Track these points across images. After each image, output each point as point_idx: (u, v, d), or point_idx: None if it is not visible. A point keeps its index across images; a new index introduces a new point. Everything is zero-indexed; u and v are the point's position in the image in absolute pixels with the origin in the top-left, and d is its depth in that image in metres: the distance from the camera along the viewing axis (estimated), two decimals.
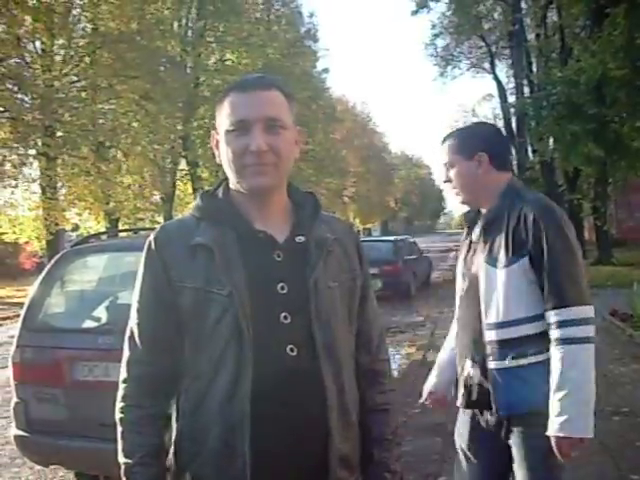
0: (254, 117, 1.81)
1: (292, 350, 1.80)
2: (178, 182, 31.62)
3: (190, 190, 32.24)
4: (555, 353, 2.56)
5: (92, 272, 5.67)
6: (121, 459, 1.88)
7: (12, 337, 13.28)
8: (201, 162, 31.24)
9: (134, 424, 1.89)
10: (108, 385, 4.52)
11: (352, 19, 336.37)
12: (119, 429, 1.91)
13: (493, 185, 2.82)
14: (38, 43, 24.11)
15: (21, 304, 19.30)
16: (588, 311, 2.59)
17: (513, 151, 28.36)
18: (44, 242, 24.05)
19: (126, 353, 1.96)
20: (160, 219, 27.33)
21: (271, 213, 1.91)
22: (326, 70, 43.64)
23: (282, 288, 1.83)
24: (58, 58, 24.26)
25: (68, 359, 4.70)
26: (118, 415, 1.92)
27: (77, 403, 4.69)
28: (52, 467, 5.60)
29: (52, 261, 5.21)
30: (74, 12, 24.79)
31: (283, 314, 1.82)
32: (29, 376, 4.85)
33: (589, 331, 2.56)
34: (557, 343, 2.55)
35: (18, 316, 15.54)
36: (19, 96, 22.43)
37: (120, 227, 24.43)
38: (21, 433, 4.94)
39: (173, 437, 1.91)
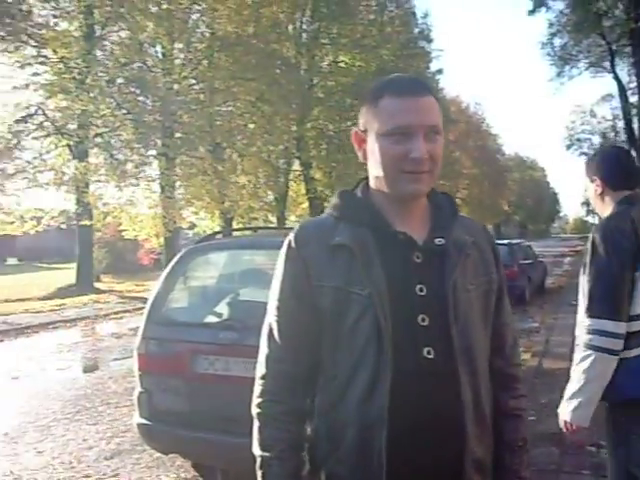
0: (417, 125, 1.80)
1: (429, 352, 1.79)
2: (291, 182, 31.99)
3: (303, 191, 32.58)
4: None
5: (213, 269, 5.82)
6: (257, 452, 1.91)
7: (132, 329, 13.98)
8: (314, 163, 31.53)
9: (273, 419, 1.91)
10: (228, 379, 4.68)
11: (466, 19, 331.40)
12: (256, 423, 1.94)
13: (610, 203, 3.26)
14: (159, 48, 24.96)
15: (140, 298, 20.27)
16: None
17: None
18: (162, 239, 24.89)
19: (264, 350, 1.98)
20: (273, 219, 27.78)
21: (411, 215, 1.90)
22: (440, 71, 43.26)
23: (421, 290, 1.81)
24: (177, 62, 25.04)
25: (190, 352, 4.85)
26: (256, 410, 1.94)
27: (198, 395, 4.83)
28: (171, 456, 5.80)
29: (175, 258, 5.39)
30: (193, 17, 25.58)
31: (421, 316, 1.80)
32: (153, 367, 5.02)
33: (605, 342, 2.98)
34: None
35: (137, 309, 16.29)
36: (141, 99, 23.29)
37: (234, 226, 24.92)
38: (144, 421, 5.12)
39: (309, 434, 1.92)
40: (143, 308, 16.38)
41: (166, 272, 5.27)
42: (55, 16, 23.35)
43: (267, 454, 1.89)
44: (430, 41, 40.17)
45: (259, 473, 1.92)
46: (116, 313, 17.76)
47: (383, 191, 1.88)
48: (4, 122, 21.99)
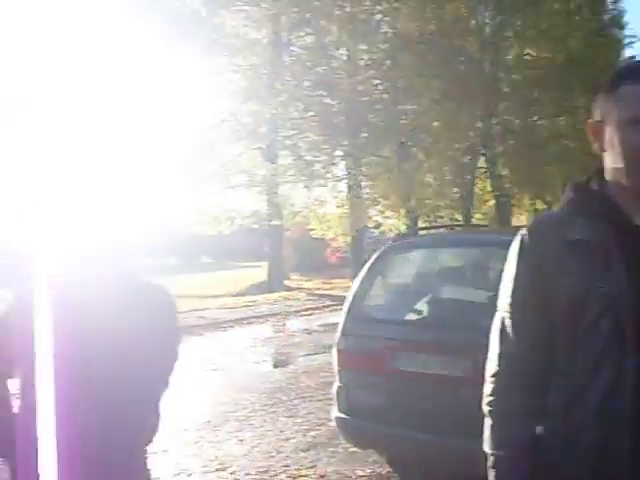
0: None
1: None
2: (477, 180, 31.40)
3: (489, 188, 31.88)
4: None
5: (412, 266, 5.83)
6: (489, 450, 1.89)
7: (322, 326, 14.26)
8: (500, 159, 30.75)
9: (506, 417, 1.87)
10: (428, 377, 4.69)
11: None
12: (488, 421, 1.91)
13: None
14: (343, 50, 25.33)
15: (328, 296, 20.63)
16: None
17: None
18: (349, 238, 25.26)
19: (496, 347, 1.93)
20: (459, 217, 27.39)
21: None
22: (633, 59, 40.88)
23: None
24: (361, 63, 25.28)
25: (389, 349, 4.89)
26: (487, 408, 1.91)
27: (396, 392, 4.87)
28: (366, 450, 5.87)
29: (374, 255, 5.46)
30: (376, 18, 25.73)
31: None
32: (352, 363, 5.12)
33: None
34: None
35: (326, 307, 16.58)
36: (327, 101, 23.76)
37: (420, 225, 24.84)
38: (342, 416, 5.23)
39: (542, 433, 1.87)
40: (332, 305, 16.76)
41: (365, 269, 5.35)
42: (245, 25, 24.33)
43: (500, 453, 1.86)
44: (622, 27, 37.94)
45: (491, 472, 1.89)
46: (306, 310, 18.19)
47: (622, 183, 1.79)
48: (200, 127, 23.19)
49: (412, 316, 5.24)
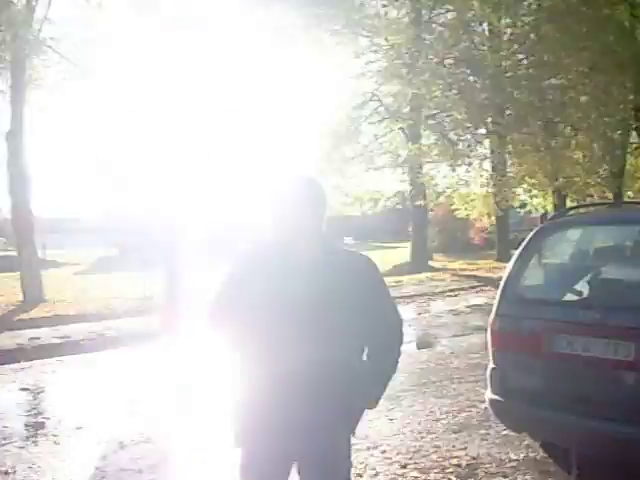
0: None
1: None
2: (628, 156, 29.97)
3: None
4: None
5: (570, 245, 5.65)
6: None
7: (469, 307, 14.13)
8: None
9: None
10: (588, 360, 4.54)
11: None
12: None
13: None
14: (485, 25, 24.76)
15: (474, 276, 20.38)
16: None
17: None
18: (493, 218, 24.80)
19: None
20: (609, 195, 26.26)
21: None
22: None
23: None
24: (505, 37, 24.64)
25: (547, 331, 4.77)
26: None
27: (554, 375, 4.75)
28: (520, 434, 5.77)
29: (530, 234, 5.32)
30: None
31: None
32: (507, 344, 5.03)
33: None
34: None
35: (472, 287, 16.41)
36: (471, 78, 23.34)
37: (568, 204, 24.05)
38: (496, 398, 5.15)
39: None
40: (477, 286, 16.56)
41: (520, 249, 5.23)
42: (385, 5, 24.25)
43: None
44: None
45: None
46: (451, 290, 18.04)
47: None
48: (342, 109, 23.38)
49: (572, 297, 5.06)
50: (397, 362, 3.16)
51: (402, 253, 27.08)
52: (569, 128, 24.87)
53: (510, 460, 5.59)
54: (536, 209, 27.76)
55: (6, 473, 5.79)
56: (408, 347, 11.01)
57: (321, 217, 2.94)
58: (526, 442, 5.86)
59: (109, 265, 28.62)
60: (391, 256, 28.00)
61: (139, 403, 7.96)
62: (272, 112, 22.60)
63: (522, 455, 5.68)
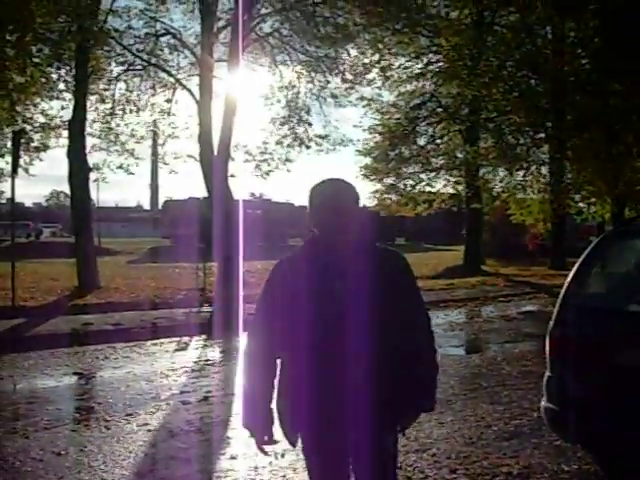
0: None
1: None
2: None
3: None
4: None
5: (634, 255, 5.49)
6: None
7: (521, 313, 13.97)
8: None
9: None
10: None
11: None
12: None
13: None
14: (549, 28, 24.40)
15: (527, 283, 20.16)
16: None
17: None
18: (549, 225, 24.44)
19: None
20: None
21: None
22: None
23: None
24: (568, 41, 24.24)
25: (610, 341, 4.65)
26: None
27: (615, 387, 4.61)
28: (573, 446, 5.64)
29: (594, 242, 5.21)
30: None
31: None
32: (566, 353, 4.91)
33: None
34: None
35: (525, 294, 16.26)
36: (531, 82, 23.03)
37: (627, 213, 23.56)
38: (551, 406, 5.04)
39: None
40: (530, 293, 16.36)
41: (584, 256, 5.11)
42: (446, 5, 24.08)
43: None
44: None
45: None
46: (505, 296, 17.84)
47: None
48: (401, 110, 23.29)
49: (636, 307, 4.93)
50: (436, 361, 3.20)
51: (455, 256, 26.86)
52: (631, 136, 24.34)
53: (563, 472, 5.48)
54: (593, 217, 27.24)
55: (59, 454, 5.88)
56: (459, 351, 10.92)
57: (359, 218, 3.04)
58: (579, 454, 5.73)
59: (162, 255, 29.01)
60: (444, 258, 27.82)
61: (189, 393, 8.03)
62: (331, 110, 22.65)
63: (575, 467, 5.56)
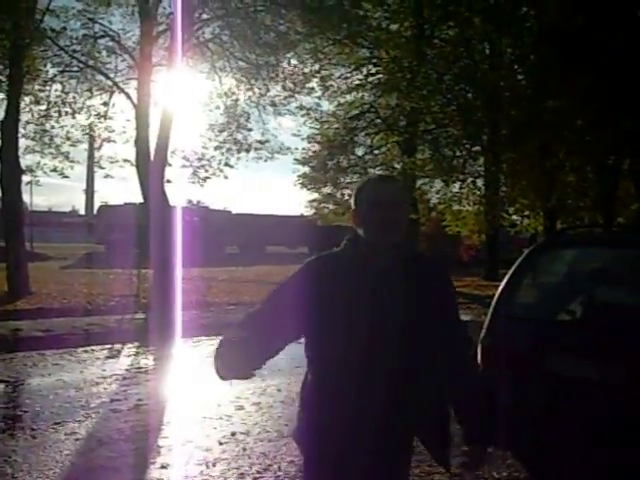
0: None
1: None
2: (621, 181, 30.13)
3: (633, 190, 30.51)
4: None
5: (564, 266, 5.62)
6: None
7: None
8: None
9: None
10: (579, 381, 4.50)
11: None
12: None
13: None
14: (486, 43, 24.90)
15: (462, 293, 20.33)
16: None
17: None
18: (483, 236, 24.85)
19: None
20: (600, 219, 26.38)
21: None
22: None
23: None
24: (505, 57, 24.78)
25: (539, 350, 4.74)
26: None
27: (544, 395, 4.70)
28: (503, 453, 5.72)
29: (524, 253, 5.30)
30: (521, 11, 25.09)
31: None
32: (497, 362, 4.97)
33: None
34: None
35: (459, 304, 16.42)
36: (469, 95, 23.45)
37: (558, 226, 24.14)
38: None
39: None
40: (464, 303, 16.50)
41: (514, 267, 5.21)
42: (387, 18, 24.35)
43: None
44: None
45: None
46: None
47: None
48: (340, 120, 23.45)
49: (565, 317, 5.04)
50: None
51: None
52: (564, 150, 24.97)
53: (493, 478, 5.54)
54: (526, 230, 27.83)
55: None
56: None
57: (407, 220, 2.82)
58: (509, 461, 5.80)
59: (97, 261, 28.55)
60: None
61: (119, 401, 7.89)
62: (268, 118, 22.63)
63: (504, 474, 5.62)
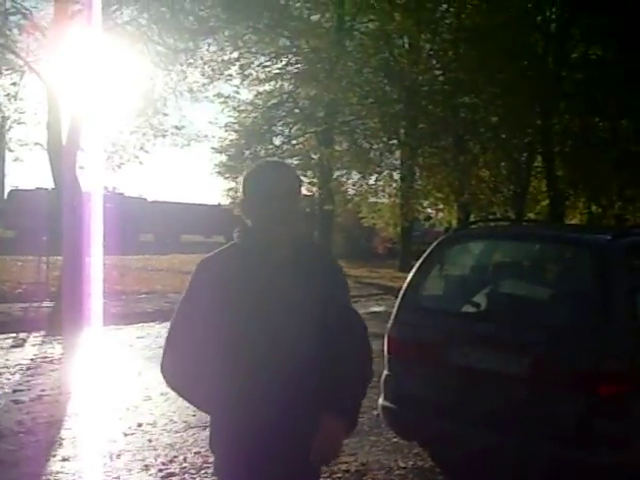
0: None
1: None
2: (532, 178, 30.98)
3: (544, 187, 31.42)
4: None
5: (470, 258, 5.72)
6: None
7: (368, 314, 14.23)
8: (558, 159, 30.27)
9: None
10: (481, 372, 4.58)
11: None
12: None
13: None
14: (406, 38, 25.15)
15: (375, 285, 20.54)
16: None
17: None
18: (399, 229, 25.15)
19: None
20: (512, 215, 27.07)
21: None
22: None
23: None
24: (423, 52, 25.09)
25: (443, 341, 4.81)
26: None
27: (447, 385, 4.78)
28: (410, 443, 5.80)
29: (432, 245, 5.36)
30: (441, 7, 25.47)
31: None
32: (403, 352, 5.04)
33: None
34: None
35: (372, 295, 16.57)
36: (387, 88, 23.64)
37: (472, 220, 24.63)
38: (388, 405, 5.16)
39: None
40: (378, 294, 16.69)
41: (422, 259, 5.27)
42: (309, 8, 24.30)
43: None
44: None
45: None
46: (353, 297, 17.99)
47: None
48: (258, 108, 23.30)
49: (469, 309, 5.13)
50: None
51: None
52: (478, 146, 25.48)
53: (399, 468, 5.61)
54: (440, 223, 28.32)
55: None
56: None
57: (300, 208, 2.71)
58: (415, 450, 5.88)
59: (5, 247, 27.63)
60: None
61: (22, 392, 7.65)
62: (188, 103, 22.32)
63: (411, 463, 5.70)
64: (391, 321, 5.16)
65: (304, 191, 24.59)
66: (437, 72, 24.75)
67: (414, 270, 5.24)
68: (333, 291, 2.68)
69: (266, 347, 2.48)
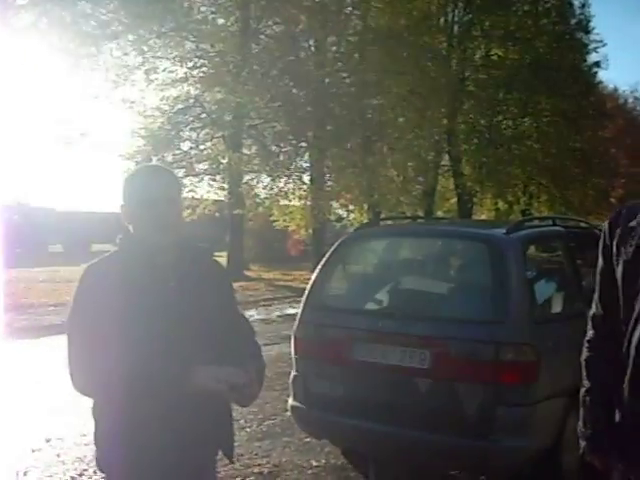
0: None
1: None
2: (440, 177, 31.63)
3: (451, 186, 32.14)
4: None
5: (373, 256, 5.80)
6: None
7: (281, 317, 14.22)
8: (464, 158, 31.04)
9: None
10: (386, 368, 4.65)
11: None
12: None
13: None
14: (312, 41, 25.29)
15: (288, 287, 20.57)
16: None
17: None
18: (310, 231, 25.26)
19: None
20: (421, 214, 27.55)
21: None
22: (597, 64, 41.31)
23: None
24: (330, 55, 25.28)
25: (348, 339, 4.85)
26: None
27: (354, 382, 4.83)
28: (320, 441, 5.83)
29: (335, 244, 5.41)
30: (346, 10, 25.73)
31: None
32: (309, 351, 5.07)
33: None
34: None
35: (286, 297, 16.56)
36: (294, 91, 23.71)
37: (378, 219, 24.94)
38: (298, 405, 5.18)
39: None
40: (291, 297, 16.71)
41: (326, 258, 5.31)
42: (213, 12, 24.14)
43: None
44: (588, 32, 38.33)
45: None
46: (265, 300, 18.10)
47: None
48: (164, 114, 23.00)
49: (372, 306, 5.20)
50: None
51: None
52: (386, 147, 25.84)
53: (311, 467, 5.65)
54: (352, 224, 28.61)
55: None
56: None
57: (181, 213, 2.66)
58: (327, 449, 5.93)
59: None
60: None
61: None
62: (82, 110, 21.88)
63: (323, 461, 5.75)
64: (297, 321, 5.19)
65: (214, 196, 24.51)
66: (343, 74, 24.97)
67: (318, 270, 5.28)
68: (219, 298, 2.62)
69: (151, 356, 2.36)
